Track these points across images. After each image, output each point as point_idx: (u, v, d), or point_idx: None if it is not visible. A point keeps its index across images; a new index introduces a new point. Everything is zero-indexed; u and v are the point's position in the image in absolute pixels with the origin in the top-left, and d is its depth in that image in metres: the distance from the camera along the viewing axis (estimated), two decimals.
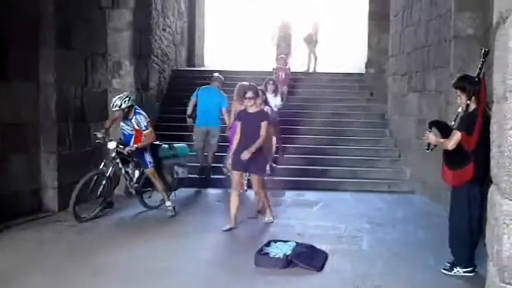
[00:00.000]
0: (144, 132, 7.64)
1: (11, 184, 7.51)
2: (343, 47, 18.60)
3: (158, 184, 7.99)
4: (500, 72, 3.26)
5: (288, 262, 5.75)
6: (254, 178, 7.45)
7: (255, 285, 5.34)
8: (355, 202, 9.37)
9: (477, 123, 5.25)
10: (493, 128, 3.49)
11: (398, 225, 7.80)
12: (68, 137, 8.19)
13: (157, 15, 12.75)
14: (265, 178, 7.94)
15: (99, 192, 7.61)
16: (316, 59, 16.16)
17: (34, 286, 5.20)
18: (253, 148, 7.04)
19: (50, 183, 8.00)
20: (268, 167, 8.04)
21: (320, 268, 5.75)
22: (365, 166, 10.94)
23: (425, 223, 7.92)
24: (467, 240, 5.57)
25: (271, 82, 10.98)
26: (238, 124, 7.34)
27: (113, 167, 7.72)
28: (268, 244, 6.18)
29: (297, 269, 5.72)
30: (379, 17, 13.90)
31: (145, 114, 7.78)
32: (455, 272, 5.59)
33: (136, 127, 7.67)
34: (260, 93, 8.60)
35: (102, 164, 7.74)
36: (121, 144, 7.73)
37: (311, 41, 16.12)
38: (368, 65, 14.60)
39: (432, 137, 5.67)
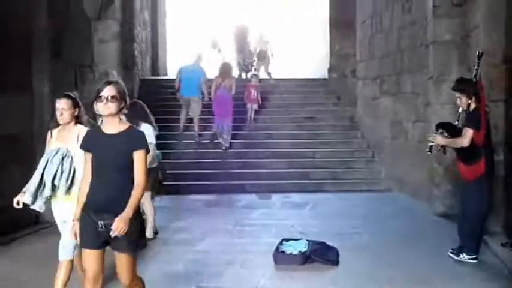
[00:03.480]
0: None
1: (7, 197, 7.45)
2: (302, 53, 19.09)
3: None
4: None
5: (306, 258, 6.06)
6: (122, 259, 3.93)
7: (281, 280, 5.63)
8: (339, 201, 9.78)
9: (483, 120, 5.75)
10: None
11: (389, 220, 8.24)
12: None
13: None
14: None
15: None
16: (270, 75, 15.82)
17: None
18: (129, 212, 3.76)
19: None
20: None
21: (336, 262, 6.09)
22: (342, 167, 11.39)
23: (413, 217, 8.45)
24: (477, 230, 6.03)
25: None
26: (88, 156, 3.97)
27: None
28: (281, 243, 6.47)
29: (315, 264, 6.04)
30: (340, 24, 14.46)
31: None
32: (461, 258, 6.03)
33: None
34: None
35: None
36: None
37: (264, 58, 15.95)
38: (331, 70, 15.09)
39: (440, 138, 6.01)
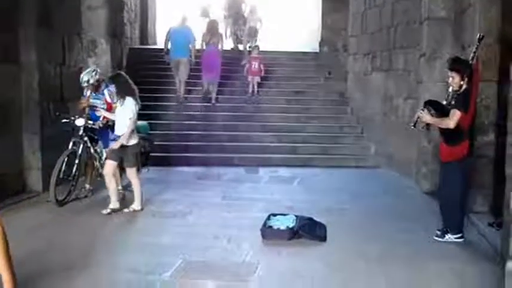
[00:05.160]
0: (114, 105, 7.56)
1: None
2: (294, 25, 18.90)
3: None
4: None
5: (293, 233, 6.05)
6: None
7: (268, 255, 5.62)
8: (327, 177, 9.78)
9: (472, 102, 5.71)
10: None
11: (377, 197, 8.26)
12: (50, 117, 8.07)
13: None
14: None
15: (73, 172, 7.57)
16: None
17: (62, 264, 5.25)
18: None
19: (34, 164, 7.91)
20: None
21: (324, 238, 6.09)
22: (331, 142, 11.37)
23: (400, 195, 8.48)
24: (459, 210, 6.05)
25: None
26: None
27: (83, 145, 7.65)
28: (269, 218, 6.45)
29: (302, 240, 6.03)
30: None
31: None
32: (447, 239, 6.05)
33: (108, 99, 7.66)
34: None
35: (71, 143, 7.56)
36: (89, 120, 7.65)
37: (253, 35, 15.28)
38: (322, 44, 14.96)
39: (427, 116, 5.95)
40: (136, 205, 7.17)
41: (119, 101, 7.17)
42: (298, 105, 12.60)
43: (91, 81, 7.57)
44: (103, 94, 7.68)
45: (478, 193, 6.82)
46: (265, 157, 10.65)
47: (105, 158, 7.59)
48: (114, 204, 7.09)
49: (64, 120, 7.63)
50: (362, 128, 11.74)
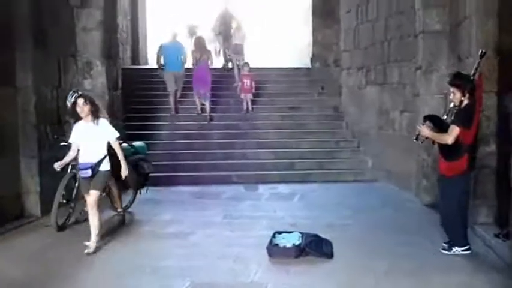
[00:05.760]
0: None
1: None
2: (284, 41, 18.95)
3: (114, 189, 7.62)
4: None
5: (300, 251, 6.00)
6: None
7: (276, 274, 5.55)
8: (327, 192, 9.73)
9: (475, 118, 5.72)
10: None
11: (379, 211, 8.24)
12: (48, 140, 8.00)
13: None
14: None
15: (72, 196, 7.47)
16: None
17: None
18: None
19: (32, 188, 7.81)
20: None
21: (331, 255, 6.04)
22: (328, 157, 11.35)
23: (401, 208, 8.45)
24: (461, 223, 6.03)
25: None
26: None
27: None
28: (274, 236, 6.40)
29: (309, 257, 5.97)
30: (323, 13, 14.45)
31: None
32: (454, 252, 6.02)
33: None
34: None
35: (70, 166, 7.42)
36: None
37: (240, 52, 14.82)
38: (313, 59, 15.00)
39: (426, 130, 5.97)
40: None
41: (92, 121, 6.46)
42: (293, 121, 12.59)
43: (68, 104, 7.54)
44: None
45: (482, 204, 6.80)
46: (264, 174, 10.62)
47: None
48: (95, 242, 6.36)
49: (62, 144, 7.53)
50: (358, 142, 11.74)
